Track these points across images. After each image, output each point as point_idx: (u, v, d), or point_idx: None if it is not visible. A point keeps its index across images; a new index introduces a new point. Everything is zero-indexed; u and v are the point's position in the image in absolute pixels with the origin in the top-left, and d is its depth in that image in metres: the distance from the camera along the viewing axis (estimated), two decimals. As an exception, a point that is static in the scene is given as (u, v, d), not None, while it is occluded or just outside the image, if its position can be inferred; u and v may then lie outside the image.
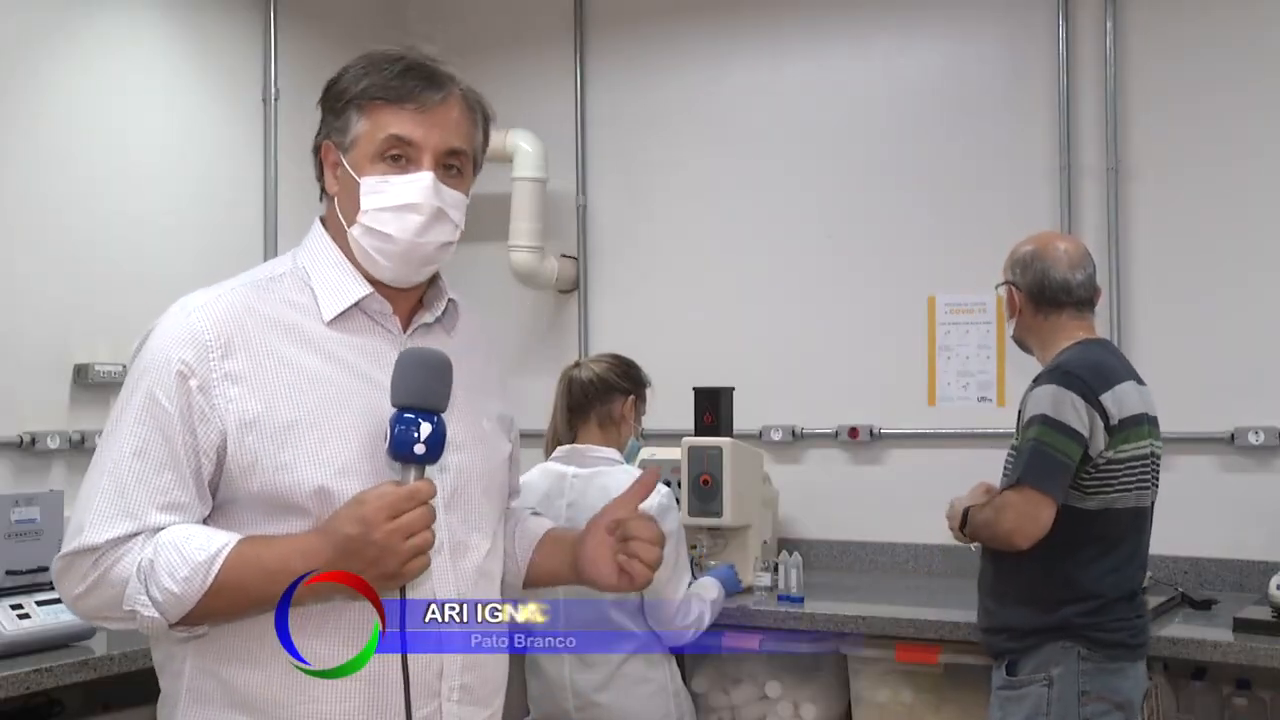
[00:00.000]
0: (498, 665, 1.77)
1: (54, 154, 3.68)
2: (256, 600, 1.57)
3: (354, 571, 1.52)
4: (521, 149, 4.49)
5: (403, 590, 1.56)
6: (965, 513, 2.86)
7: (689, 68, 4.61)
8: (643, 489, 1.78)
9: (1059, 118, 4.04)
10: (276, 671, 1.60)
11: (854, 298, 4.32)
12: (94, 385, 3.69)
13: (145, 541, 1.57)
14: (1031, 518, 2.66)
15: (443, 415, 1.58)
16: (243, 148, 4.31)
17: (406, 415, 1.56)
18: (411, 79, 1.66)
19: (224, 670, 1.63)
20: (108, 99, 3.85)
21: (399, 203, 1.64)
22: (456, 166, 1.69)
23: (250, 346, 1.63)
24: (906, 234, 4.25)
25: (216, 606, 1.56)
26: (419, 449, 1.55)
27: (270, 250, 4.31)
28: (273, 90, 4.34)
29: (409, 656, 1.56)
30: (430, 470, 1.60)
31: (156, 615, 1.55)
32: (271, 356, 1.63)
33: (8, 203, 3.56)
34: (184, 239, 4.04)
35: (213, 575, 1.54)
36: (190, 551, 1.55)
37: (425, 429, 1.55)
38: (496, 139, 4.52)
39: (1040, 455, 2.68)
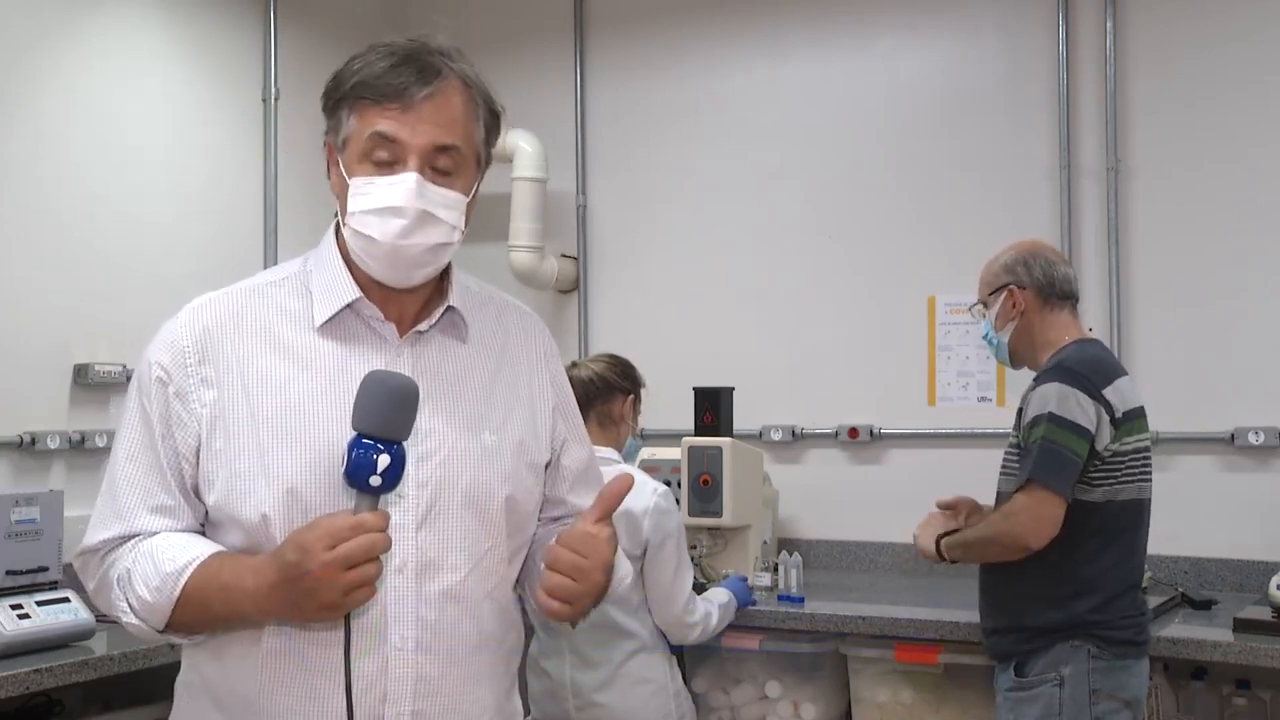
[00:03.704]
0: (472, 693, 1.67)
1: (53, 154, 3.68)
2: (220, 614, 1.57)
3: (294, 599, 1.48)
4: (521, 149, 4.50)
5: (347, 619, 1.51)
6: (939, 542, 2.89)
7: (689, 68, 4.61)
8: (603, 505, 1.61)
9: (1059, 118, 4.04)
10: (236, 676, 1.63)
11: (854, 298, 4.33)
12: (94, 385, 3.69)
13: (134, 547, 1.61)
14: (1046, 518, 2.67)
15: (403, 444, 1.52)
16: (243, 148, 4.31)
17: (365, 442, 1.50)
18: (401, 74, 1.60)
19: (202, 666, 1.68)
20: (107, 99, 3.85)
21: (381, 205, 1.59)
22: (449, 165, 1.62)
23: (225, 353, 1.64)
24: (906, 234, 4.25)
25: (188, 617, 1.58)
26: (374, 481, 1.49)
27: (270, 250, 4.31)
28: (273, 90, 4.34)
29: (352, 680, 1.53)
30: (406, 484, 1.57)
31: (137, 621, 1.60)
32: (244, 364, 1.63)
33: (7, 203, 3.56)
34: (183, 238, 4.04)
35: (180, 587, 1.56)
36: (162, 562, 1.57)
37: (384, 461, 1.49)
38: (496, 139, 4.57)
39: (1048, 453, 2.67)
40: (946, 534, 2.91)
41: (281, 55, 4.37)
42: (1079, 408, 2.69)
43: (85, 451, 3.65)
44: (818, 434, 4.33)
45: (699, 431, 3.87)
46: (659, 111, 4.66)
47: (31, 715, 3.02)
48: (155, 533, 1.62)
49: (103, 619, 2.99)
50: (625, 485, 1.61)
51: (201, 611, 1.57)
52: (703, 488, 3.67)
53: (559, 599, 1.59)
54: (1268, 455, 3.74)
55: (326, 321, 1.66)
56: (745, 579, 3.52)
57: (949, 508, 2.98)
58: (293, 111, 4.29)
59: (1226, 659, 3.01)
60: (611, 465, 3.09)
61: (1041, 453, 2.68)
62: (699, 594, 3.20)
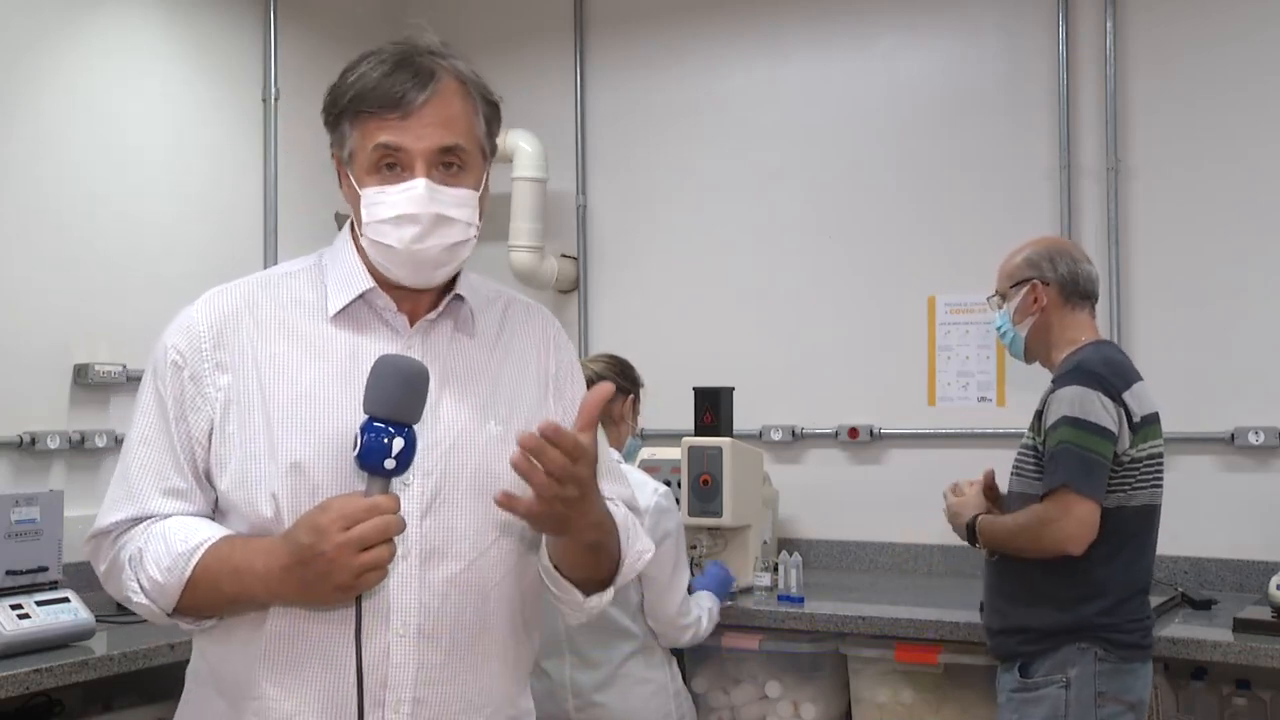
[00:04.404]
0: (475, 683, 1.68)
1: (54, 154, 3.68)
2: (230, 596, 1.58)
3: (307, 581, 1.50)
4: (521, 149, 4.50)
5: (358, 601, 1.53)
6: (972, 525, 2.86)
7: (689, 68, 4.61)
8: (587, 413, 1.56)
9: (1059, 118, 4.04)
10: (239, 659, 1.64)
11: (854, 298, 4.33)
12: (94, 385, 3.69)
13: (146, 529, 1.63)
14: (1084, 524, 2.65)
15: (414, 427, 1.53)
16: (243, 148, 4.31)
17: (377, 425, 1.51)
18: (396, 82, 1.61)
19: (208, 651, 1.70)
20: (107, 99, 3.85)
21: (395, 214, 1.62)
22: (456, 163, 1.65)
23: (240, 339, 1.66)
24: (906, 234, 4.25)
25: (198, 599, 1.59)
26: (389, 464, 1.50)
27: (270, 250, 4.31)
28: (273, 90, 4.34)
29: (362, 663, 1.54)
30: (411, 472, 1.58)
31: (146, 601, 1.61)
32: (258, 350, 1.66)
33: (7, 203, 3.56)
34: (183, 238, 4.04)
35: (191, 567, 1.57)
36: (174, 543, 1.59)
37: (398, 444, 1.50)
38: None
39: (1075, 458, 2.66)
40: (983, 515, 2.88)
41: (281, 55, 4.37)
42: (1102, 410, 2.68)
43: (85, 451, 3.65)
44: (818, 434, 4.33)
45: (699, 431, 3.86)
46: (659, 111, 4.66)
47: (31, 715, 3.02)
48: (168, 515, 1.63)
49: (103, 619, 3.00)
50: (606, 390, 1.59)
51: (211, 593, 1.58)
52: (703, 488, 3.67)
53: (546, 496, 1.51)
54: (1268, 455, 3.74)
55: (340, 311, 1.69)
56: (719, 562, 3.51)
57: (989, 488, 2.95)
58: (293, 111, 4.29)
59: (1226, 659, 3.00)
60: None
61: (1070, 457, 2.66)
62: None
